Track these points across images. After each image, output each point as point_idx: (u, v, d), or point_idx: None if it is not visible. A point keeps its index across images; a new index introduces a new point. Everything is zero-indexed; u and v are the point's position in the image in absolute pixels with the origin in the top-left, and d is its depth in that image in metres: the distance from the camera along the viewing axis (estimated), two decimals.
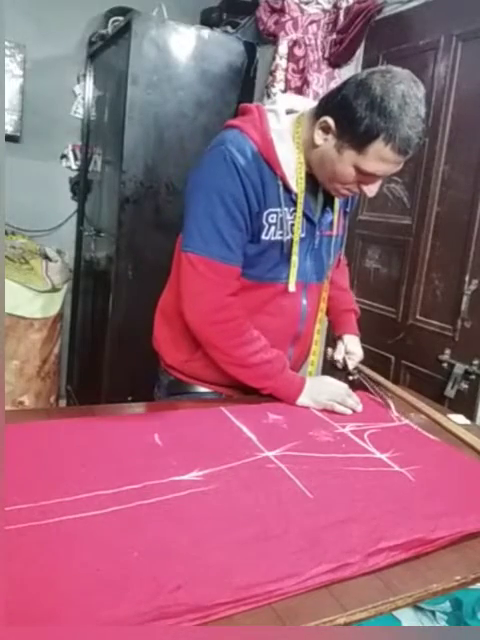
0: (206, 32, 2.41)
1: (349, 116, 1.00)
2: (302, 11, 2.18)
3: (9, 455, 0.80)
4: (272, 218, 1.14)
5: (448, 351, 1.78)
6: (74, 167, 3.00)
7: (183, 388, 1.31)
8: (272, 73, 2.22)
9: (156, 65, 2.30)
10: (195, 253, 1.13)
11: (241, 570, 0.65)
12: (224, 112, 2.48)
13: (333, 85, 2.17)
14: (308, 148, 1.13)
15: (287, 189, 1.14)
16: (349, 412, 1.18)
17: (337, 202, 1.25)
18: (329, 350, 1.45)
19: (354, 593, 0.66)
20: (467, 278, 1.72)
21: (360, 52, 2.13)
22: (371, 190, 1.11)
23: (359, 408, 1.20)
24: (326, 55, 2.17)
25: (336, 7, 2.11)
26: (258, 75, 2.51)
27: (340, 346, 1.42)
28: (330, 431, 1.09)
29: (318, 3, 2.16)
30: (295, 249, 1.18)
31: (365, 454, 1.00)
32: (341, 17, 2.08)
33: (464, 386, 1.71)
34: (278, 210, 1.14)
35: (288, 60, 2.20)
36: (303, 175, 1.14)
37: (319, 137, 1.07)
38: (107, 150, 2.65)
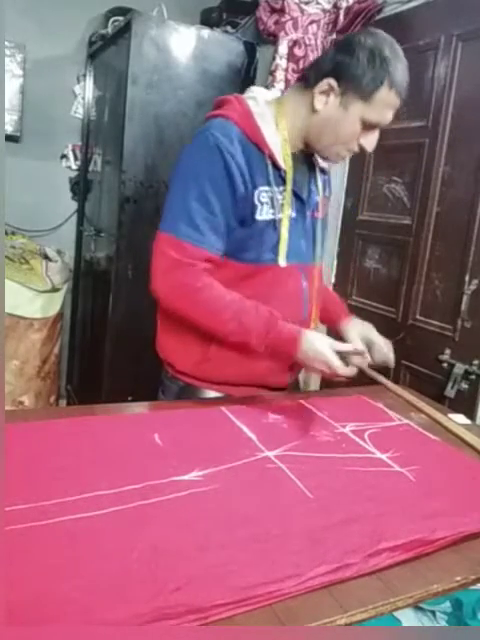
0: (206, 32, 2.41)
1: (352, 71, 1.08)
2: (302, 11, 2.18)
3: (9, 455, 0.80)
4: (263, 197, 1.16)
5: (448, 351, 1.78)
6: (74, 167, 3.00)
7: (196, 394, 1.27)
8: (272, 73, 2.22)
9: (156, 65, 2.30)
10: (162, 231, 1.14)
11: (241, 571, 0.65)
12: None
13: None
14: (302, 121, 1.16)
15: (276, 167, 1.17)
16: (345, 370, 1.10)
17: (320, 182, 1.29)
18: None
19: (354, 594, 0.66)
20: (467, 278, 1.72)
21: None
22: (371, 143, 1.16)
23: (348, 372, 1.12)
24: None
25: (336, 7, 2.11)
26: (258, 75, 2.51)
27: (353, 334, 1.31)
28: (330, 431, 1.09)
29: (318, 3, 2.16)
30: (285, 223, 1.18)
31: (365, 454, 1.00)
32: (341, 17, 2.08)
33: (464, 386, 1.71)
34: (268, 188, 1.16)
35: (288, 60, 2.20)
36: (289, 153, 1.17)
37: (319, 102, 1.12)
38: (107, 150, 2.65)
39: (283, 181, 1.18)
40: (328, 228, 1.41)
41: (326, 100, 1.11)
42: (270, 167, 1.15)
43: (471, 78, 1.72)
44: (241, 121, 1.14)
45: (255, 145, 1.14)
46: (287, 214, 1.19)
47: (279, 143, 1.16)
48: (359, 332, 1.31)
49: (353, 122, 1.11)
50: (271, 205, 1.17)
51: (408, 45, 1.92)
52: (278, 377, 1.31)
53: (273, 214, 1.17)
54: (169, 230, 1.13)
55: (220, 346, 1.20)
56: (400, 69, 1.08)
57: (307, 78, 1.15)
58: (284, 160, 1.17)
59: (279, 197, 1.17)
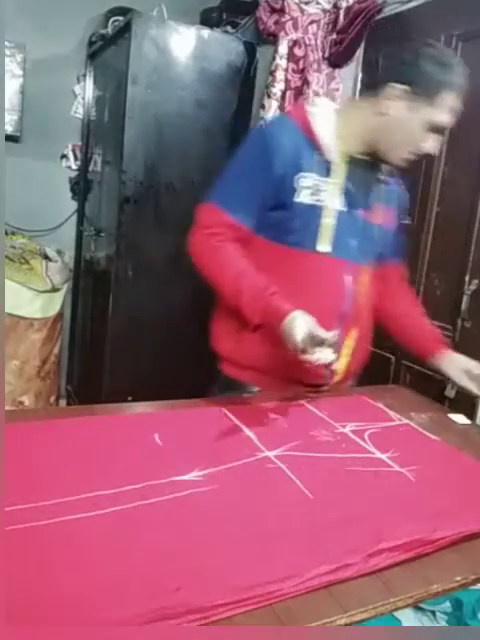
0: (206, 32, 2.41)
1: (419, 77, 1.16)
2: (302, 11, 2.18)
3: (9, 455, 0.80)
4: (304, 182, 1.22)
5: None
6: (74, 167, 3.00)
7: (234, 385, 1.33)
8: (272, 73, 2.21)
9: (156, 65, 2.30)
10: (204, 202, 1.26)
11: (241, 571, 0.65)
12: (224, 112, 2.48)
13: (333, 85, 2.18)
14: (365, 126, 1.23)
15: (326, 162, 1.23)
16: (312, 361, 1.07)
17: (381, 191, 1.32)
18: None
19: (354, 594, 0.66)
20: (467, 278, 1.72)
21: (360, 52, 2.13)
22: (435, 147, 1.24)
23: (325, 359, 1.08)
24: (326, 55, 2.16)
25: (336, 7, 2.10)
26: (258, 75, 2.50)
27: (452, 371, 1.34)
28: (330, 431, 1.09)
29: (318, 3, 2.16)
30: (328, 212, 1.24)
31: (365, 454, 1.00)
32: (341, 17, 2.08)
33: None
34: (313, 175, 1.22)
35: (288, 60, 2.20)
36: (344, 151, 1.24)
37: (387, 107, 1.19)
38: (107, 150, 2.65)
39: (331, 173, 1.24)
40: (399, 246, 1.44)
41: (394, 105, 1.19)
42: (317, 158, 1.22)
43: (471, 78, 1.72)
44: (298, 117, 1.25)
45: (308, 137, 1.23)
46: (332, 204, 1.24)
47: (332, 139, 1.23)
48: (457, 366, 1.33)
49: (418, 124, 1.19)
50: (313, 192, 1.23)
51: (408, 45, 1.92)
52: (309, 371, 1.23)
53: (317, 200, 1.23)
54: (206, 200, 1.25)
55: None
56: (460, 74, 1.18)
57: (374, 86, 1.23)
58: (339, 154, 1.23)
59: (326, 188, 1.23)
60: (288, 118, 1.27)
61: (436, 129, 1.21)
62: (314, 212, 1.23)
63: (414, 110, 1.18)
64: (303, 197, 1.22)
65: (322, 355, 1.05)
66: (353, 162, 1.26)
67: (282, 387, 1.29)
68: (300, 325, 1.08)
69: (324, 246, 1.24)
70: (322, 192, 1.23)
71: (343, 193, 1.24)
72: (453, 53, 1.24)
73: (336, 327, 1.24)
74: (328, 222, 1.24)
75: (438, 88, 1.16)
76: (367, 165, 1.30)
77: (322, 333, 1.07)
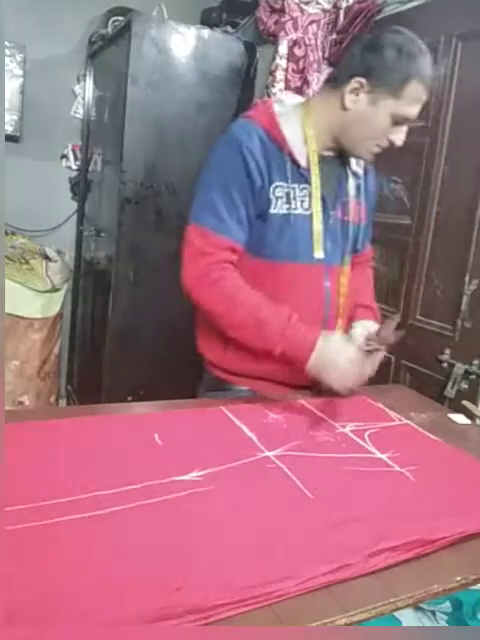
0: (206, 32, 2.41)
1: (380, 69, 1.11)
2: (302, 11, 2.18)
3: (9, 455, 0.80)
4: (278, 191, 1.20)
5: (448, 351, 1.78)
6: (74, 167, 3.00)
7: (221, 386, 1.32)
8: (272, 73, 2.22)
9: (156, 65, 2.30)
10: (189, 223, 1.20)
11: (241, 571, 0.65)
12: (224, 112, 2.48)
13: None
14: (331, 120, 1.20)
15: (297, 165, 1.20)
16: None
17: (351, 187, 1.30)
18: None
19: (354, 594, 0.66)
20: (467, 278, 1.71)
21: None
22: (400, 138, 1.20)
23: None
24: (326, 55, 2.17)
25: (336, 7, 2.10)
26: (258, 75, 2.50)
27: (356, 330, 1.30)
28: (330, 431, 1.08)
29: (318, 3, 2.16)
30: (317, 218, 1.22)
31: (365, 454, 0.99)
32: (341, 17, 2.08)
33: (464, 386, 1.71)
34: (284, 184, 1.20)
35: (288, 60, 2.20)
36: (315, 151, 1.21)
37: (350, 100, 1.16)
38: (107, 150, 2.65)
39: (305, 179, 1.21)
40: (369, 236, 1.43)
41: (356, 98, 1.15)
42: (288, 163, 1.19)
43: (471, 78, 1.72)
44: (263, 120, 1.20)
45: (275, 143, 1.19)
46: (317, 210, 1.22)
47: (301, 142, 1.20)
48: (361, 325, 1.30)
49: (383, 118, 1.15)
50: (286, 200, 1.20)
51: None
52: (297, 374, 1.25)
53: (288, 209, 1.20)
54: (194, 221, 1.20)
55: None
56: (426, 63, 1.12)
57: (335, 79, 1.20)
58: (309, 159, 1.20)
59: (299, 194, 1.21)
60: (253, 123, 1.20)
61: (402, 121, 1.16)
62: (285, 221, 1.20)
63: (377, 103, 1.14)
64: (278, 208, 1.20)
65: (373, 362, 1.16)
66: (323, 161, 1.23)
67: (270, 389, 1.28)
68: (339, 355, 1.13)
69: (320, 252, 1.23)
70: (294, 199, 1.20)
71: (318, 196, 1.21)
72: (418, 41, 1.13)
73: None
74: (318, 228, 1.22)
75: (402, 80, 1.11)
76: (336, 161, 1.27)
77: (349, 374, 1.14)
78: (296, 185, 1.20)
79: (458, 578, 0.71)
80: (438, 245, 1.84)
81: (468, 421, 1.27)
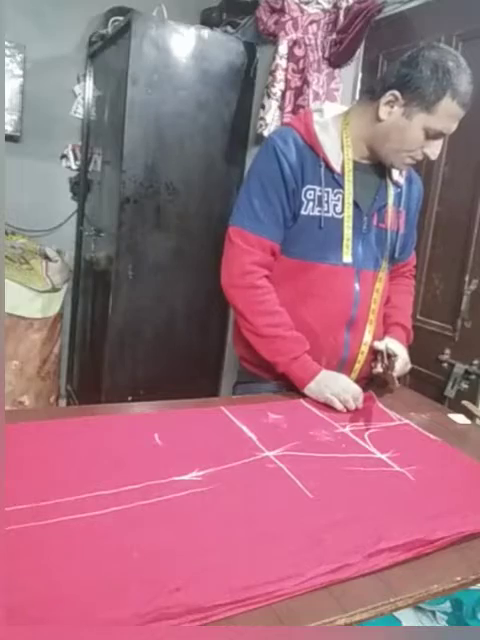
0: (206, 32, 2.41)
1: (416, 83, 1.14)
2: (302, 11, 2.18)
3: (9, 455, 0.80)
4: (310, 194, 1.25)
5: (448, 351, 1.78)
6: (74, 167, 3.00)
7: (252, 378, 1.39)
8: (272, 73, 2.21)
9: (156, 65, 2.30)
10: (231, 225, 1.29)
11: (241, 571, 0.65)
12: (224, 112, 2.48)
13: (333, 85, 2.17)
14: (366, 130, 1.24)
15: (331, 171, 1.25)
16: (344, 410, 1.20)
17: (390, 195, 1.33)
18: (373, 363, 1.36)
19: (354, 594, 0.66)
20: (467, 278, 1.71)
21: (360, 52, 2.12)
22: (434, 152, 1.23)
23: (353, 406, 1.21)
24: (326, 55, 2.16)
25: (336, 7, 2.10)
26: (258, 75, 2.50)
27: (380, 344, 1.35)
28: (330, 431, 1.09)
29: (318, 3, 2.16)
30: (348, 223, 1.26)
31: (365, 454, 1.00)
32: (341, 17, 2.07)
33: (464, 386, 1.71)
34: (317, 188, 1.25)
35: (288, 60, 2.20)
36: (350, 159, 1.26)
37: (384, 112, 1.19)
38: (107, 150, 2.65)
39: (339, 184, 1.26)
40: (411, 245, 1.48)
41: (390, 111, 1.19)
42: (323, 168, 1.24)
43: (471, 78, 1.72)
44: (301, 128, 1.27)
45: (311, 148, 1.25)
46: (348, 215, 1.26)
47: (337, 149, 1.25)
48: (387, 342, 1.35)
49: (416, 131, 1.18)
50: (318, 203, 1.25)
51: (408, 45, 1.92)
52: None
53: (319, 211, 1.25)
54: (235, 223, 1.29)
55: None
56: (464, 80, 1.13)
57: (373, 90, 1.23)
58: (345, 163, 1.25)
59: (332, 198, 1.25)
60: (291, 130, 1.28)
61: (436, 135, 1.19)
62: (315, 223, 1.25)
63: (411, 117, 1.16)
64: (309, 210, 1.25)
65: (345, 405, 1.21)
66: (359, 168, 1.27)
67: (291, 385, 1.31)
68: (327, 388, 1.22)
69: (349, 256, 1.27)
70: (326, 202, 1.25)
71: (350, 202, 1.26)
72: (459, 58, 1.16)
73: (345, 332, 1.31)
74: (348, 233, 1.26)
75: (436, 95, 1.13)
76: (375, 169, 1.30)
77: (347, 388, 1.23)
78: (329, 189, 1.25)
79: (458, 578, 0.71)
80: (438, 245, 1.83)
81: (468, 421, 1.27)
